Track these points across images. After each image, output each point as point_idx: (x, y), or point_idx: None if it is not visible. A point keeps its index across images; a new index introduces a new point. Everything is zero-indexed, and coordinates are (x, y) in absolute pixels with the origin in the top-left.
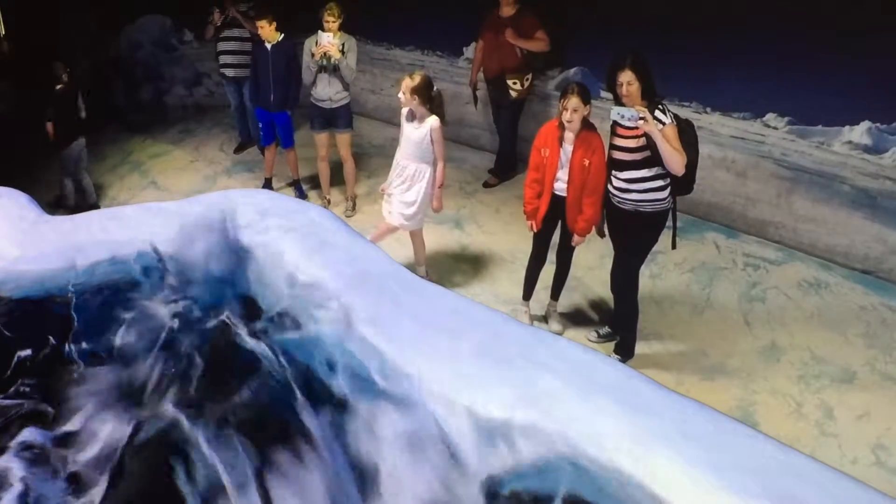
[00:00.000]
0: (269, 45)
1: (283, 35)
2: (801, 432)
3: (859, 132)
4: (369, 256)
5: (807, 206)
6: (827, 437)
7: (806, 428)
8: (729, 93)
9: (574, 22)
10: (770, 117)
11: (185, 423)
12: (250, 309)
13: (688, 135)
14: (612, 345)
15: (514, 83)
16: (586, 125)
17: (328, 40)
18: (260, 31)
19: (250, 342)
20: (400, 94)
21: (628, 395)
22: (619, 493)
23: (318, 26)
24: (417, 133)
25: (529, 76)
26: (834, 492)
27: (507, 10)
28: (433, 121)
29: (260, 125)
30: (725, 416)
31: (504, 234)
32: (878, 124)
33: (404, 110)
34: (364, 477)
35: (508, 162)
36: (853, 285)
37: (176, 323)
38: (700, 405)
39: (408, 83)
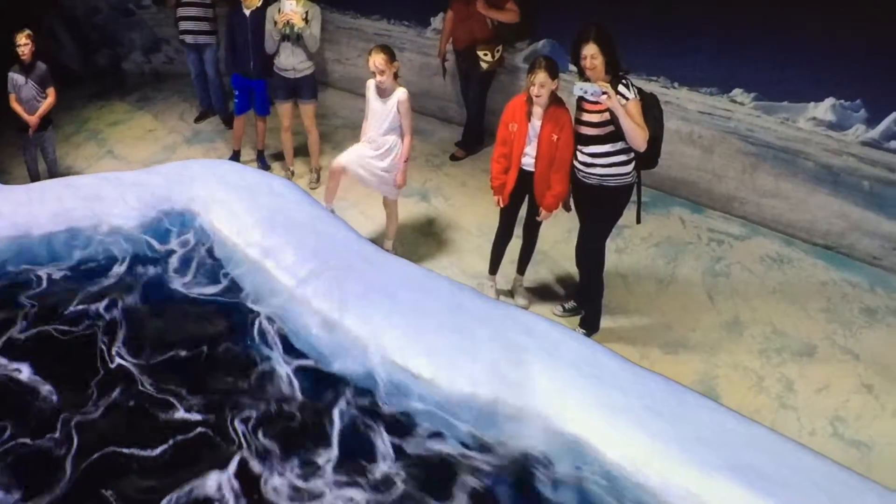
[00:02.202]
0: (247, 11)
1: (262, 1)
2: (761, 405)
3: (823, 109)
4: (334, 230)
5: (771, 181)
6: (787, 409)
7: (766, 401)
8: (696, 68)
9: None
10: (736, 93)
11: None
12: (210, 281)
13: (653, 109)
14: (577, 319)
15: (485, 55)
16: (554, 100)
17: (291, 8)
18: None
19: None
20: (377, 74)
21: (593, 369)
22: (583, 465)
23: None
24: (385, 106)
25: (500, 48)
26: (792, 462)
27: None
28: (400, 93)
29: (236, 92)
30: (688, 389)
31: (471, 207)
32: (842, 101)
33: (372, 84)
34: (327, 448)
35: (476, 135)
36: (815, 261)
37: (135, 296)
38: (664, 379)
39: (382, 58)
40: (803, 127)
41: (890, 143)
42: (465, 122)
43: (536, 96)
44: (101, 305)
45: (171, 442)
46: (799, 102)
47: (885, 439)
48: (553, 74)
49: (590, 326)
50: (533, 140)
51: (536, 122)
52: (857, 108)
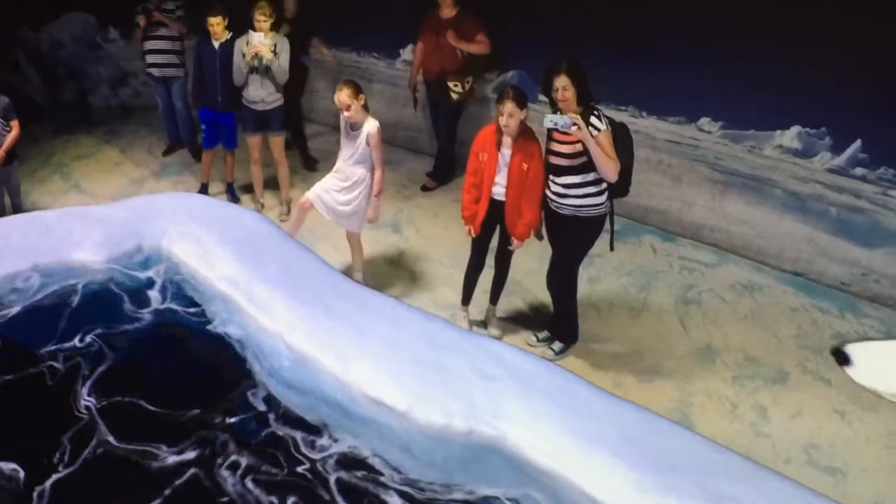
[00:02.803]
0: (216, 44)
1: (231, 34)
2: (736, 433)
3: (790, 137)
4: (304, 263)
5: (740, 209)
6: (761, 437)
7: (741, 428)
8: (664, 97)
9: (512, 25)
10: (704, 122)
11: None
12: (180, 316)
13: (623, 138)
14: (548, 350)
15: (455, 85)
16: (524, 129)
17: (259, 40)
18: (211, 29)
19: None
20: (345, 112)
21: (567, 399)
22: (559, 496)
23: (251, 26)
24: (354, 138)
25: (470, 79)
26: (768, 491)
27: (448, 12)
28: (370, 125)
29: (203, 126)
30: (662, 418)
31: (442, 238)
32: (807, 129)
33: (343, 119)
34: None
35: (447, 165)
36: (784, 287)
37: (103, 333)
38: (638, 407)
39: (346, 93)
40: (770, 155)
41: (855, 170)
42: (435, 152)
43: (505, 126)
44: (69, 343)
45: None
46: (765, 130)
47: (859, 466)
48: (521, 104)
49: (568, 339)
50: (503, 169)
51: (506, 152)
52: (822, 136)
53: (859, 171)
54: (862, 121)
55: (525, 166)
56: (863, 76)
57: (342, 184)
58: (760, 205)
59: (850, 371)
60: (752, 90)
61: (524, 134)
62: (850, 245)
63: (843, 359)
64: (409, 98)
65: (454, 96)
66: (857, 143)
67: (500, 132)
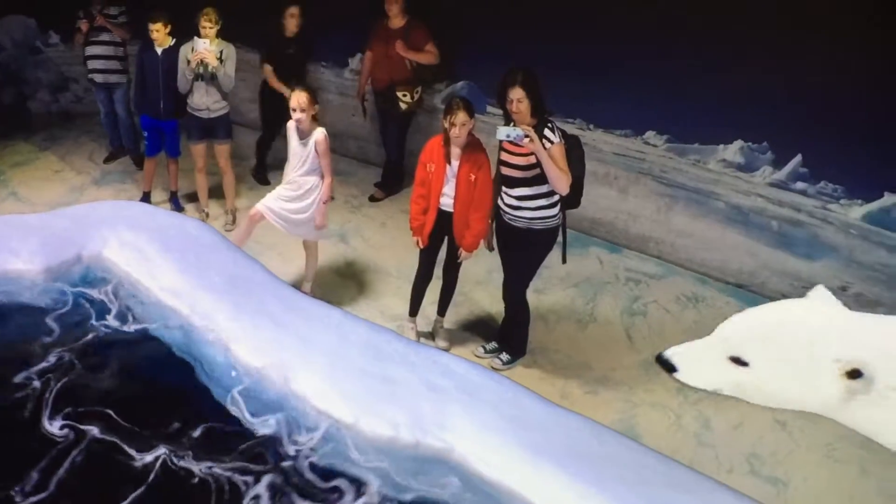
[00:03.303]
0: (159, 50)
1: (174, 40)
2: (680, 443)
3: (733, 151)
4: (250, 273)
5: (684, 221)
6: (705, 447)
7: (685, 439)
8: (611, 110)
9: (461, 36)
10: (650, 135)
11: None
12: (120, 327)
13: (575, 150)
14: (496, 360)
15: (404, 95)
16: (472, 140)
17: (204, 47)
18: (152, 35)
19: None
20: (297, 113)
21: (514, 411)
22: None
23: (196, 32)
24: (304, 147)
25: (419, 89)
26: (711, 501)
27: (397, 22)
28: (318, 133)
29: (145, 134)
30: (609, 429)
31: (390, 248)
32: (750, 143)
33: (291, 125)
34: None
35: (395, 176)
36: (728, 299)
37: (41, 345)
38: (584, 419)
39: (306, 97)
40: (714, 168)
41: (796, 184)
42: (384, 162)
43: (456, 136)
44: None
45: None
46: (709, 144)
47: (800, 475)
48: (471, 114)
49: (516, 351)
50: (451, 180)
51: (455, 163)
52: (764, 151)
53: (800, 185)
54: (803, 136)
55: (473, 177)
56: (804, 92)
57: (294, 193)
58: (704, 217)
59: (678, 375)
60: (696, 104)
61: (472, 144)
62: (790, 257)
63: (667, 366)
64: (358, 108)
65: (403, 106)
66: (798, 157)
67: (447, 143)
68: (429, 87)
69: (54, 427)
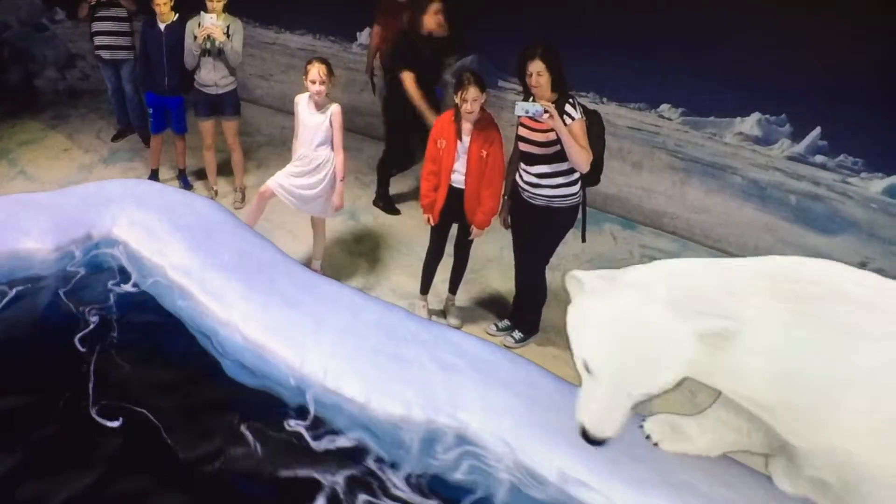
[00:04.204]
0: (162, 26)
1: (177, 15)
2: None
3: (750, 124)
4: (259, 251)
5: (700, 196)
6: None
7: None
8: (624, 83)
9: (471, 8)
10: (665, 108)
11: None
12: (135, 310)
13: (595, 126)
14: (509, 338)
15: None
16: (483, 115)
17: (211, 22)
18: (157, 9)
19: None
20: (317, 85)
21: (528, 389)
22: (522, 489)
23: (202, 7)
24: (318, 120)
25: None
26: (727, 479)
27: None
28: (334, 107)
29: (150, 111)
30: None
31: (401, 225)
32: (767, 116)
33: (303, 99)
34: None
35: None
36: None
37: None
38: None
39: (325, 69)
40: (730, 142)
41: (815, 158)
42: None
43: (469, 112)
44: (19, 336)
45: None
46: (725, 118)
47: None
48: (482, 88)
49: (529, 330)
50: (462, 156)
51: (465, 139)
52: (782, 123)
53: (819, 158)
54: (822, 108)
55: (484, 153)
56: (822, 63)
57: (305, 168)
58: (720, 192)
59: (595, 439)
60: (712, 77)
61: (483, 120)
62: (808, 232)
63: (595, 442)
64: (367, 83)
65: None
66: (817, 130)
67: (458, 119)
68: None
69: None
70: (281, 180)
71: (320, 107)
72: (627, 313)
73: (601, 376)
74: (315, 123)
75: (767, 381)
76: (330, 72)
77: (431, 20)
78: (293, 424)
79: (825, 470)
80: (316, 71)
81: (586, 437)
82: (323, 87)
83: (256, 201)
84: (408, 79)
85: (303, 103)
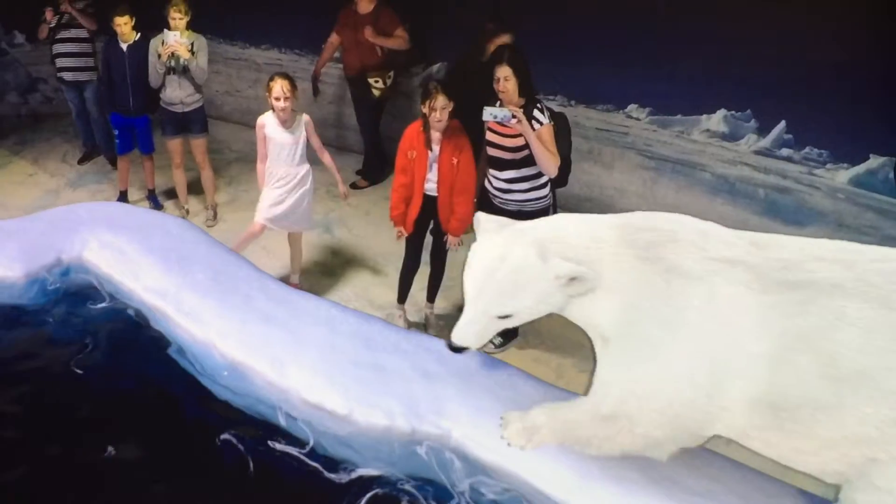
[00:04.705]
0: (124, 46)
1: (139, 34)
2: None
3: (716, 120)
4: (234, 269)
5: (671, 194)
6: None
7: None
8: (591, 85)
9: (437, 16)
10: (632, 108)
11: None
12: (111, 333)
13: (561, 129)
14: (489, 344)
15: (376, 81)
16: (451, 123)
17: (175, 39)
18: (117, 29)
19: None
20: (282, 102)
21: (510, 393)
22: (506, 495)
23: (164, 25)
24: (294, 135)
25: (391, 74)
26: (710, 472)
27: (365, 6)
28: (305, 117)
29: (116, 132)
30: None
31: (375, 237)
32: (733, 112)
33: (269, 119)
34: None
35: (376, 163)
36: None
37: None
38: (581, 398)
39: (288, 85)
40: (698, 139)
41: (781, 151)
42: (364, 150)
43: (438, 121)
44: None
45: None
46: (692, 115)
47: None
48: (450, 96)
49: (509, 334)
50: (433, 165)
51: (436, 147)
52: (747, 119)
53: (785, 151)
54: (786, 102)
55: (455, 161)
56: (785, 58)
57: (289, 186)
58: (690, 189)
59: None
60: (677, 75)
61: (452, 128)
62: (779, 225)
63: (458, 350)
64: (337, 95)
65: (376, 93)
66: (782, 124)
67: (427, 129)
68: (405, 71)
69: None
70: (267, 214)
71: (290, 123)
72: (498, 249)
73: (467, 297)
74: (291, 140)
75: (612, 314)
76: (293, 86)
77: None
78: (279, 446)
79: (628, 405)
80: (279, 87)
81: (450, 346)
82: (288, 104)
83: (244, 239)
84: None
85: (270, 124)
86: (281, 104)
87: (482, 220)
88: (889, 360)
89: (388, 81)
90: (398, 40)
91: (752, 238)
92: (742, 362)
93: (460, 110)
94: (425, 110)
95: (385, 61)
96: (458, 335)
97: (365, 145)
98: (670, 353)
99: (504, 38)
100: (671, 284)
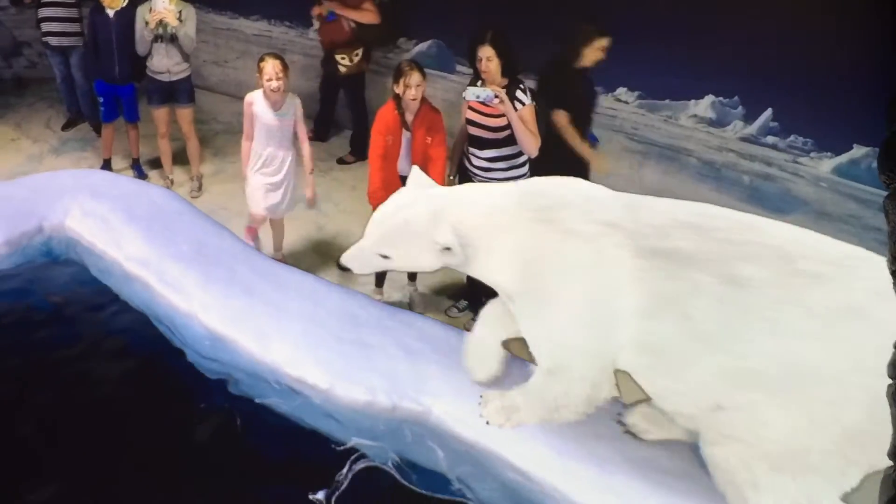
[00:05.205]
0: (110, 12)
1: (126, 1)
2: None
3: (704, 106)
4: (218, 240)
5: (657, 178)
6: None
7: None
8: None
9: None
10: (621, 92)
11: None
12: (87, 299)
13: (543, 110)
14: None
15: (343, 58)
16: (424, 102)
17: (164, 6)
18: None
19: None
20: (274, 82)
21: None
22: (485, 472)
23: None
24: (283, 118)
25: (360, 51)
26: (686, 453)
27: None
28: (296, 99)
29: (101, 100)
30: None
31: (361, 213)
32: (720, 98)
33: (258, 98)
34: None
35: (363, 139)
36: None
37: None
38: None
39: (278, 65)
40: (685, 124)
41: (767, 139)
42: (353, 127)
43: (413, 99)
44: None
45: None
46: (680, 100)
47: None
48: (424, 73)
49: (474, 302)
50: (407, 145)
51: (410, 128)
52: (734, 105)
53: (770, 139)
54: (773, 90)
55: (429, 139)
56: (773, 46)
57: (274, 168)
58: (677, 174)
59: (355, 272)
60: (666, 60)
61: (425, 106)
62: (762, 211)
63: (344, 268)
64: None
65: (342, 69)
66: (769, 111)
67: (400, 109)
68: (395, 47)
69: None
70: (263, 203)
71: (280, 104)
72: (406, 200)
73: (366, 229)
74: (279, 122)
75: (513, 273)
76: (285, 66)
77: (593, 55)
78: (262, 418)
79: (558, 354)
80: (271, 67)
81: (338, 264)
82: (280, 84)
83: (248, 235)
84: (562, 119)
85: (259, 102)
86: (273, 85)
87: (417, 174)
88: (733, 326)
89: (356, 59)
90: (367, 14)
91: (626, 201)
92: (624, 312)
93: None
94: (399, 90)
95: (354, 38)
96: (345, 257)
97: (353, 124)
98: (570, 302)
99: (603, 42)
100: (565, 244)
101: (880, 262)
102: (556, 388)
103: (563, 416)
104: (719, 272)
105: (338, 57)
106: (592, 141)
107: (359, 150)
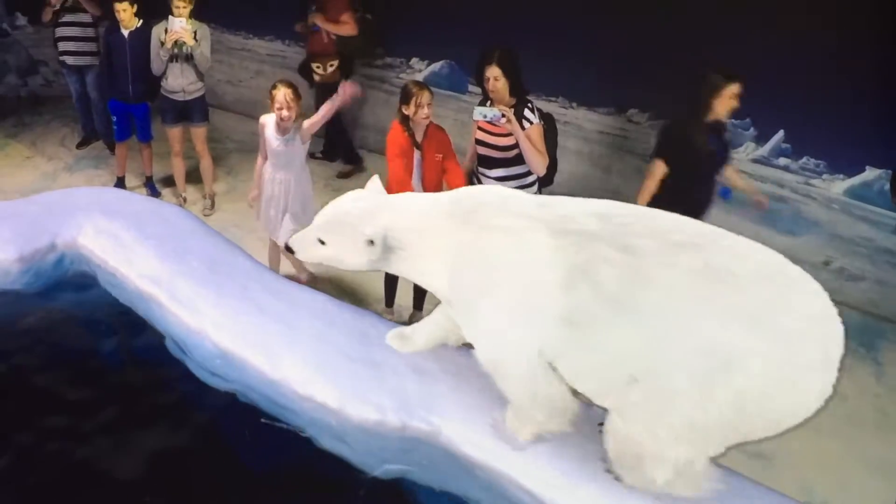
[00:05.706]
0: (125, 32)
1: (141, 21)
2: None
3: None
4: (230, 258)
5: None
6: None
7: None
8: (593, 88)
9: (439, 12)
10: (632, 112)
11: None
12: (99, 317)
13: (549, 129)
14: None
15: (318, 67)
16: (430, 123)
17: (181, 25)
18: (118, 15)
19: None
20: (284, 111)
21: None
22: (494, 488)
23: (168, 12)
24: (294, 145)
25: (335, 62)
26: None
27: None
28: (304, 124)
29: (114, 119)
30: (597, 405)
31: None
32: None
33: (270, 122)
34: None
35: (346, 145)
36: None
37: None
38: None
39: (289, 94)
40: None
41: (779, 160)
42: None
43: (425, 117)
44: None
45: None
46: None
47: (785, 451)
48: (431, 92)
49: None
50: (419, 165)
51: (420, 146)
52: (746, 127)
53: (782, 161)
54: (785, 112)
55: (439, 157)
56: (786, 68)
57: (279, 192)
58: None
59: (298, 255)
60: (677, 80)
61: (431, 126)
62: (774, 234)
63: (290, 249)
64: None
65: (315, 78)
66: (780, 133)
67: (409, 130)
68: (407, 65)
69: None
70: (287, 227)
71: (290, 131)
72: (351, 198)
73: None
74: (285, 148)
75: (443, 272)
76: (297, 95)
77: (724, 105)
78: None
79: (490, 348)
80: (283, 96)
81: (285, 245)
82: (291, 113)
83: (277, 258)
84: (658, 171)
85: (270, 127)
86: (284, 113)
87: (375, 181)
88: (633, 288)
89: (330, 69)
90: (345, 27)
91: (538, 201)
92: (546, 288)
93: (681, 177)
94: (409, 111)
95: (332, 49)
96: (292, 239)
97: (326, 134)
98: (496, 291)
99: (734, 89)
100: (488, 238)
101: (741, 238)
102: (503, 385)
103: (526, 418)
104: (617, 244)
105: (313, 65)
106: (725, 196)
107: (344, 155)
